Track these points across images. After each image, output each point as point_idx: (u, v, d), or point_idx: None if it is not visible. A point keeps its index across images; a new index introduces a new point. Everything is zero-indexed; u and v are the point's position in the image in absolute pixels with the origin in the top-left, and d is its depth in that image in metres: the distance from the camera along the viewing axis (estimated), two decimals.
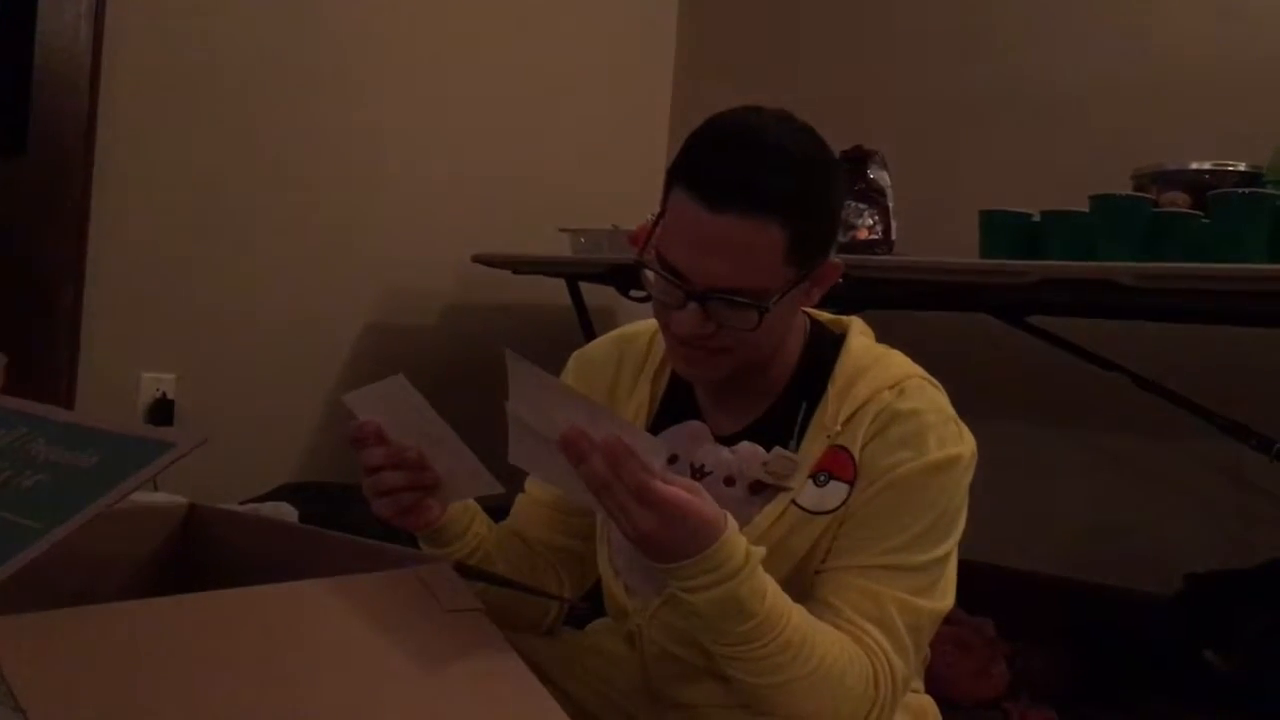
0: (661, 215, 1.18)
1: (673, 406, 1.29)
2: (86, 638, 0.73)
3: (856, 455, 1.18)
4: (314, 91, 2.73)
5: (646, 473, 0.99)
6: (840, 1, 3.17)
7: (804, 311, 1.27)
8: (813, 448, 1.20)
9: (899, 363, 1.25)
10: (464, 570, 1.02)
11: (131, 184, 2.45)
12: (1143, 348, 2.42)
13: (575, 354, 1.40)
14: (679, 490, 1.01)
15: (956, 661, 2.17)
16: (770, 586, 1.07)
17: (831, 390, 1.21)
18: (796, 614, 1.09)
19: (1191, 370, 2.40)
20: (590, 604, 1.37)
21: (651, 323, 1.30)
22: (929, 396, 1.21)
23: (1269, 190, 1.98)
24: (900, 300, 2.43)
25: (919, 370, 1.25)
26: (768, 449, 1.21)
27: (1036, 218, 2.17)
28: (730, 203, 1.09)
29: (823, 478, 1.18)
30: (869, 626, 1.12)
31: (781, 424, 1.23)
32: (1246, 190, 1.99)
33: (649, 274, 1.17)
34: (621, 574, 1.28)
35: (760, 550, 1.07)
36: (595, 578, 1.35)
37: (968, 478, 1.20)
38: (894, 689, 1.13)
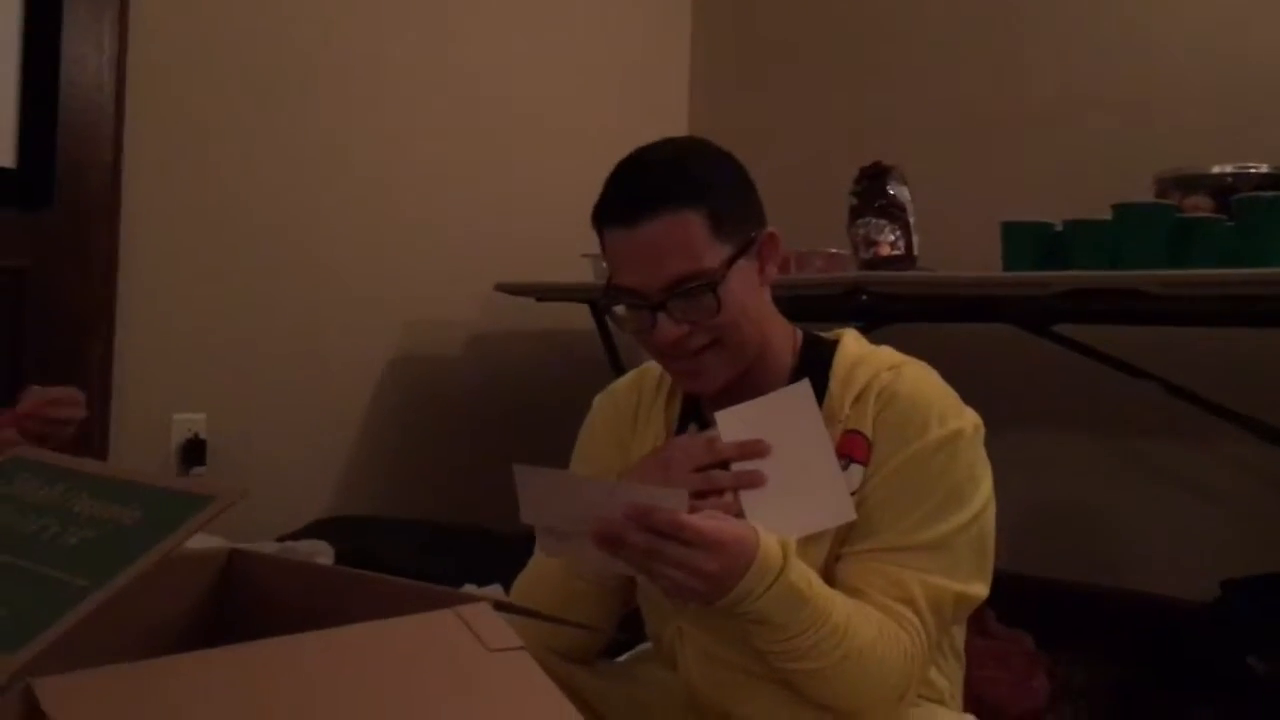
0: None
1: (687, 427, 1.35)
2: (135, 695, 0.74)
3: (870, 435, 1.23)
4: (335, 130, 2.75)
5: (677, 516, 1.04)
6: (852, 20, 3.18)
7: (799, 328, 1.35)
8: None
9: (892, 351, 1.32)
10: (500, 605, 1.02)
11: (157, 229, 2.48)
12: (1171, 352, 2.41)
13: (600, 394, 1.47)
14: (711, 521, 1.06)
15: (997, 676, 2.16)
16: (811, 570, 1.13)
17: (834, 382, 1.27)
18: (838, 595, 1.14)
19: (1221, 374, 2.39)
20: (627, 635, 1.37)
21: None
22: (926, 375, 1.28)
23: None
24: (924, 314, 2.43)
25: (912, 358, 1.31)
26: None
27: (1059, 227, 2.17)
28: (641, 212, 1.20)
29: (842, 462, 1.22)
30: (897, 606, 1.16)
31: None
32: (1269, 193, 1.98)
33: (618, 311, 1.27)
34: None
35: (790, 540, 1.12)
36: (624, 606, 1.36)
37: (975, 450, 1.24)
38: (922, 665, 1.18)
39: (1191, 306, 2.10)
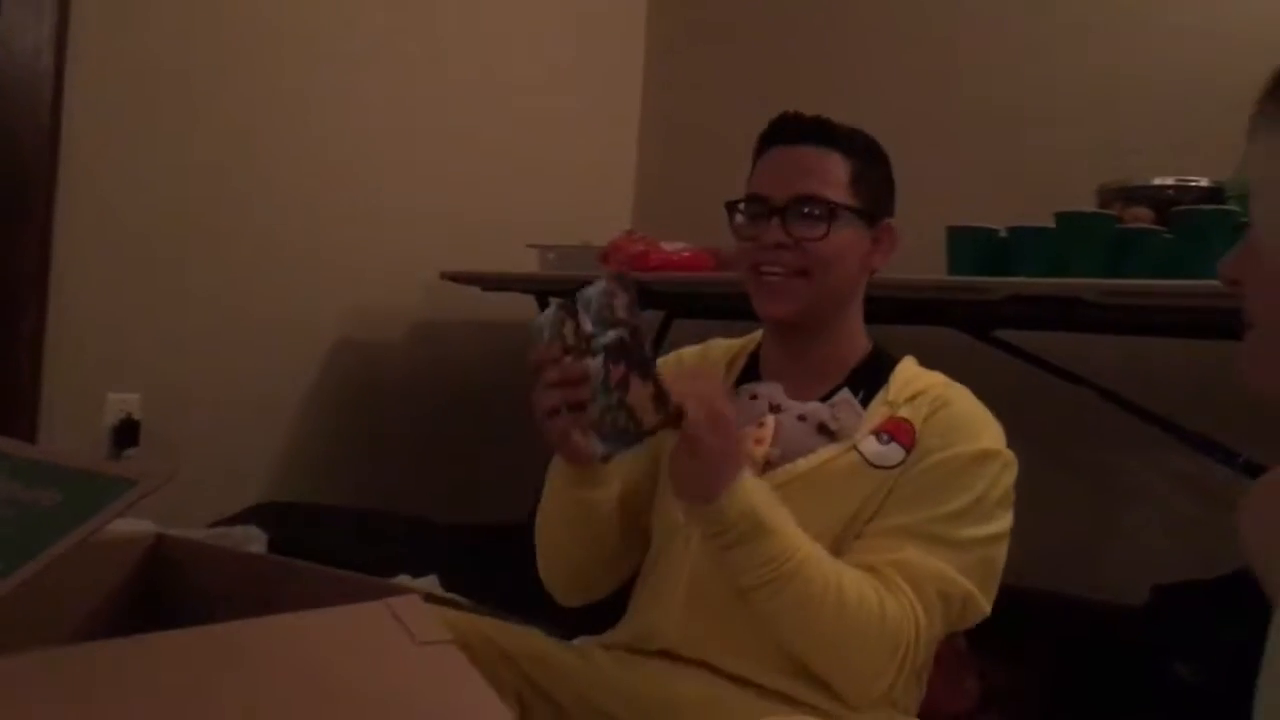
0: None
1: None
2: (51, 681, 0.72)
3: (917, 427, 1.31)
4: (280, 110, 2.71)
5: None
6: (806, 20, 3.18)
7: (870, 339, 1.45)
8: (876, 414, 1.33)
9: (946, 377, 1.43)
10: (431, 598, 1.02)
11: (95, 204, 2.42)
12: (1109, 361, 2.44)
13: (665, 356, 1.50)
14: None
15: (929, 676, 2.17)
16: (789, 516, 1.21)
17: (894, 383, 1.36)
18: (824, 552, 1.22)
19: (1157, 383, 2.42)
20: (576, 618, 1.40)
21: (732, 340, 1.50)
22: (977, 401, 1.39)
23: (1230, 206, 2.00)
24: (868, 315, 2.43)
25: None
26: None
27: (1003, 234, 2.19)
28: (802, 137, 1.39)
29: (885, 437, 1.31)
30: (900, 581, 1.21)
31: None
32: (1209, 206, 2.01)
33: (737, 213, 1.41)
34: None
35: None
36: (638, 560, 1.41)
37: (1007, 478, 1.33)
38: (919, 641, 1.21)
39: (1129, 316, 2.13)
